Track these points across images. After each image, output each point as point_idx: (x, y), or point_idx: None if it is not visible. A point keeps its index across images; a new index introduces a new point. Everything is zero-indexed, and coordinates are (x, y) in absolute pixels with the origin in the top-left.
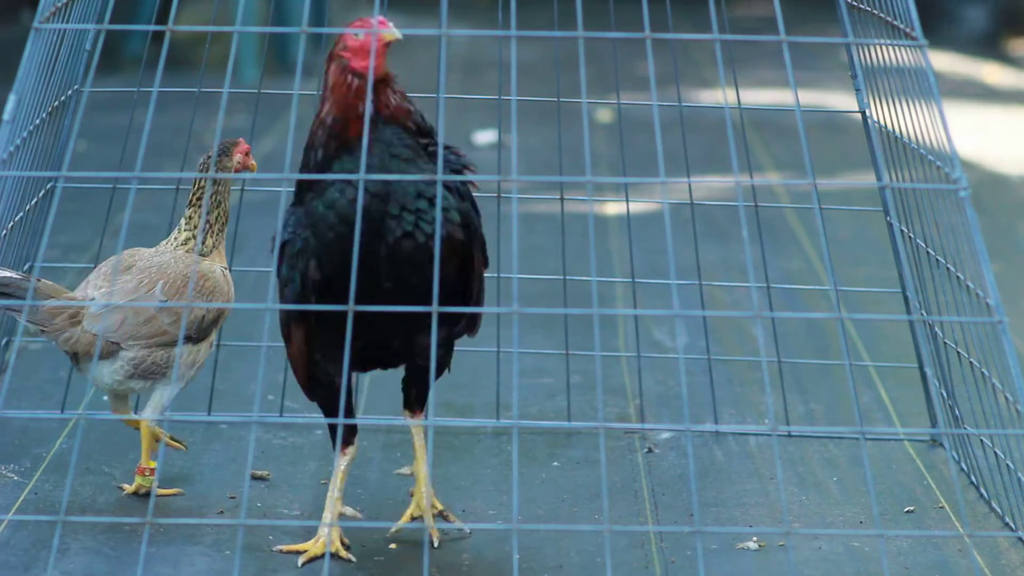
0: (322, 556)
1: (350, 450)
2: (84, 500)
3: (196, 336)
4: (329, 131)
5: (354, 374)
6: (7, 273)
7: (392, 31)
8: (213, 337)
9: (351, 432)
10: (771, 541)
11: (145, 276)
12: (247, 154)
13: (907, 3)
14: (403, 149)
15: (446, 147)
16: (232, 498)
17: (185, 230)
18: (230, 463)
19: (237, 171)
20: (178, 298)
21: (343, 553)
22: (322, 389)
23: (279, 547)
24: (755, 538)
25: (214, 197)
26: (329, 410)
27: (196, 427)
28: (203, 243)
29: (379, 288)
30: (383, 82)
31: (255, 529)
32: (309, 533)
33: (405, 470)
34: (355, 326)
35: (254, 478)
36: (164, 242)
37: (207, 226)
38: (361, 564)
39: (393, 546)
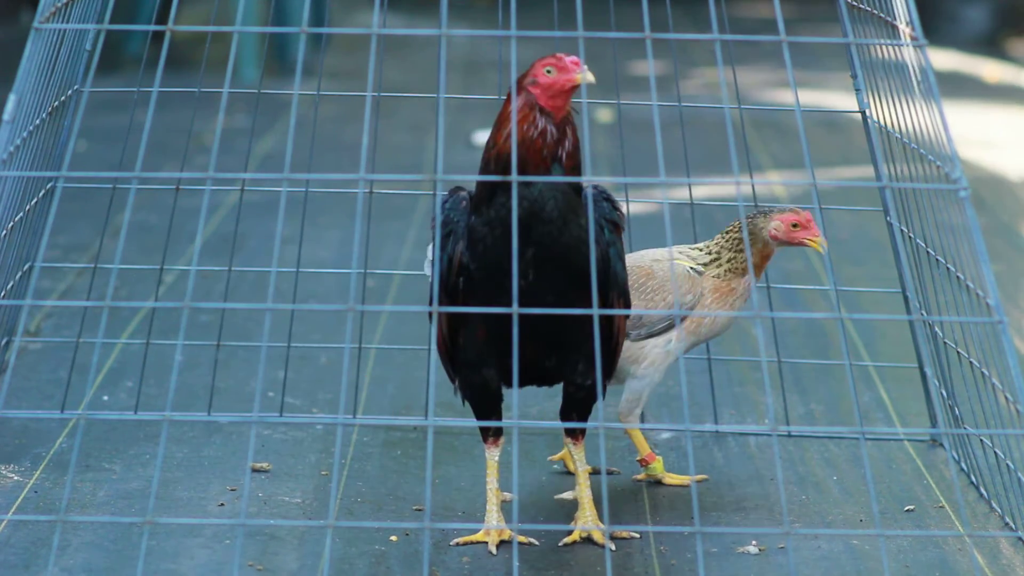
0: (509, 542)
1: (501, 441)
2: (84, 496)
3: (632, 332)
4: (505, 165)
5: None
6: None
7: (586, 74)
8: (674, 341)
9: (499, 428)
10: (771, 544)
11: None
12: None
13: (907, 3)
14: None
15: (606, 197)
16: (232, 490)
17: (706, 252)
18: (230, 456)
19: (774, 236)
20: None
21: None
22: (473, 390)
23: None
24: (754, 542)
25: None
26: (478, 409)
27: (196, 420)
28: (713, 263)
29: (522, 292)
30: (568, 124)
31: (256, 515)
32: (310, 523)
33: (567, 495)
34: (497, 328)
35: (255, 471)
36: (690, 247)
37: (718, 254)
38: (361, 560)
39: (393, 538)
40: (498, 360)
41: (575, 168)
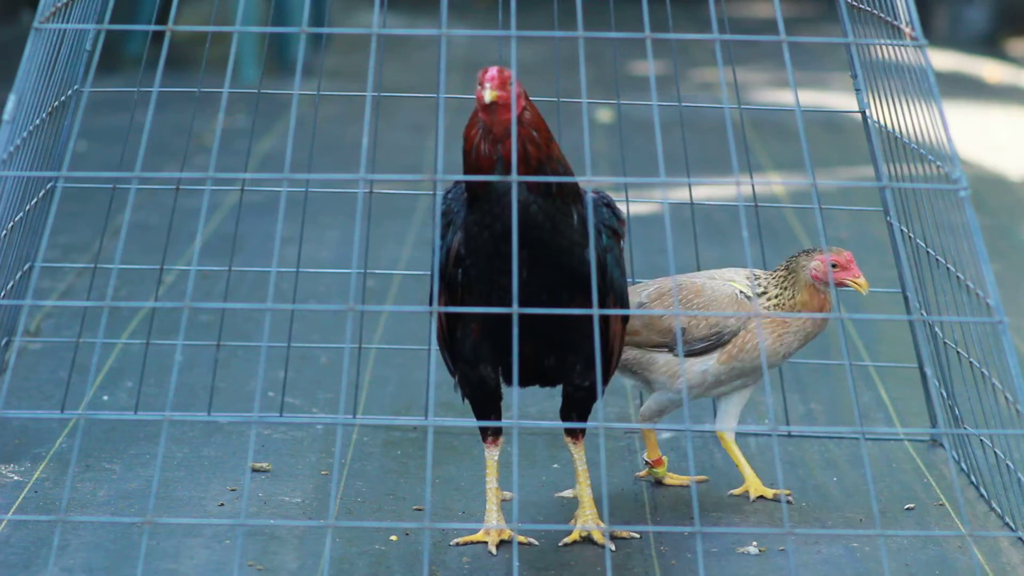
0: (509, 542)
1: (500, 441)
2: (84, 496)
3: (675, 347)
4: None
5: (501, 380)
6: None
7: (487, 92)
8: (720, 362)
9: (499, 427)
10: (771, 545)
11: (664, 284)
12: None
13: (907, 3)
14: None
15: (606, 203)
16: (232, 490)
17: (766, 283)
18: (230, 456)
19: (815, 276)
20: (659, 305)
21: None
22: (472, 388)
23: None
24: (755, 543)
25: (791, 279)
26: (477, 407)
27: (196, 420)
28: (763, 296)
29: (518, 289)
30: (517, 133)
31: (256, 515)
32: (310, 523)
33: (567, 493)
34: (492, 325)
35: (255, 471)
36: (748, 271)
37: (765, 288)
38: (361, 560)
39: (393, 538)
40: (495, 357)
41: (542, 172)
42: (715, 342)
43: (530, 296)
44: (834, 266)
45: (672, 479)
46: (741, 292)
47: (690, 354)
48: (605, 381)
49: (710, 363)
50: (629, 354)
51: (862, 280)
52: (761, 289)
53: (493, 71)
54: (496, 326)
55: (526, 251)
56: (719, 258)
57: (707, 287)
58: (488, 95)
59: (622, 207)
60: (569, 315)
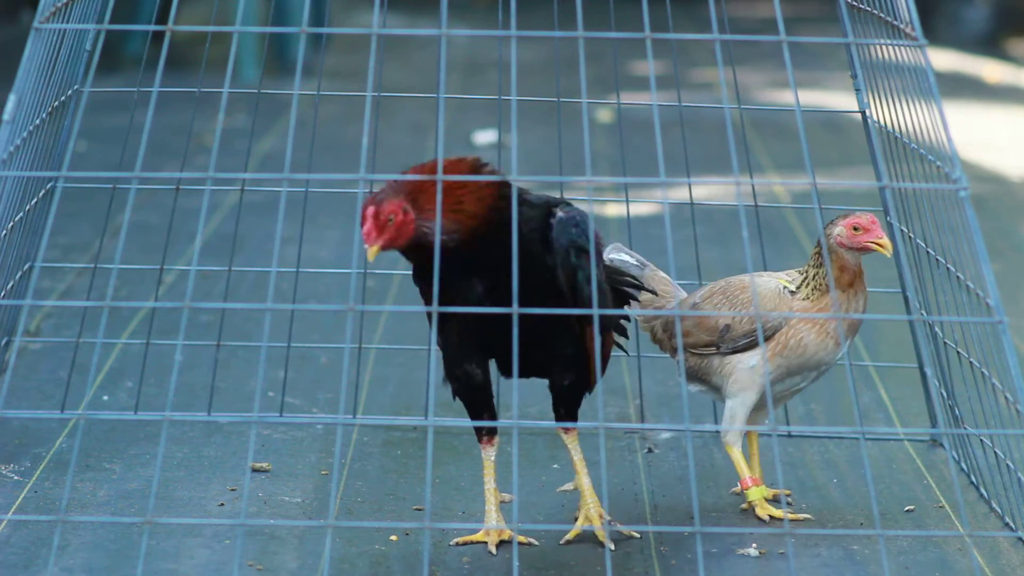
0: (509, 542)
1: (496, 440)
2: (84, 496)
3: (721, 344)
4: None
5: (490, 373)
6: (625, 257)
7: (369, 251)
8: (758, 360)
9: (493, 427)
10: (771, 547)
11: (715, 284)
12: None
13: (907, 3)
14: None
15: (575, 224)
16: (232, 490)
17: (800, 274)
18: (230, 456)
19: (839, 243)
20: (708, 303)
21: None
22: (459, 384)
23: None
24: (755, 544)
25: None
26: (468, 406)
27: (196, 420)
28: (804, 284)
29: (488, 292)
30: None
31: (256, 515)
32: (310, 523)
33: (568, 486)
34: (464, 324)
35: (255, 471)
36: (788, 272)
37: (806, 272)
38: (361, 560)
39: (393, 538)
40: (479, 351)
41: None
42: (749, 334)
43: (502, 300)
44: (856, 229)
45: (763, 497)
46: (785, 288)
47: (734, 351)
48: (588, 386)
49: (756, 359)
50: (691, 362)
51: (885, 241)
52: (803, 277)
53: (369, 221)
54: (466, 325)
55: (486, 259)
56: (719, 258)
57: (752, 282)
58: (371, 253)
59: (621, 207)
60: (540, 324)
